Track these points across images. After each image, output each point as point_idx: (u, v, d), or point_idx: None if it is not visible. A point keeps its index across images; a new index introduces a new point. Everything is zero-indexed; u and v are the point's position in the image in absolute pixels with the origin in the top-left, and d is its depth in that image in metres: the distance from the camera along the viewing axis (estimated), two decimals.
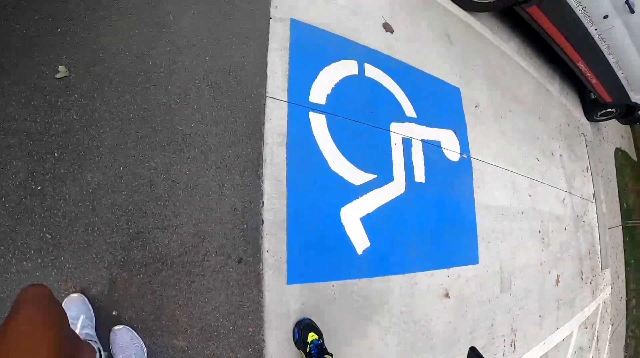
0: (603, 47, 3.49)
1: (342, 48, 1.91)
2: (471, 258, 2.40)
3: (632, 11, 3.04)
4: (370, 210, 1.82)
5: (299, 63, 1.70)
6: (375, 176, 1.87)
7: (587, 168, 4.66)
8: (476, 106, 2.71)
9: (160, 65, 1.39)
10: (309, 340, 1.42)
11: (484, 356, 1.09)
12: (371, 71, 1.99)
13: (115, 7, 1.36)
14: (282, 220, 1.52)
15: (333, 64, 1.84)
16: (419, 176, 2.09)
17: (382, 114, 1.99)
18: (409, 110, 2.13)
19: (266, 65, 1.63)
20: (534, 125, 3.51)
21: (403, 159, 2.02)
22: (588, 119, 5.05)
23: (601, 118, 5.09)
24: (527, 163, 3.18)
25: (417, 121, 2.15)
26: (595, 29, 3.27)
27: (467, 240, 2.39)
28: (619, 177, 6.09)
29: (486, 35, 3.22)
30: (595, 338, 4.32)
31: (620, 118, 5.16)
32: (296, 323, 1.50)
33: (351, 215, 1.74)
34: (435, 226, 2.16)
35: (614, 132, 6.28)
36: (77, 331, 1.08)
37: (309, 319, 1.52)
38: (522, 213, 2.98)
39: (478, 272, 2.45)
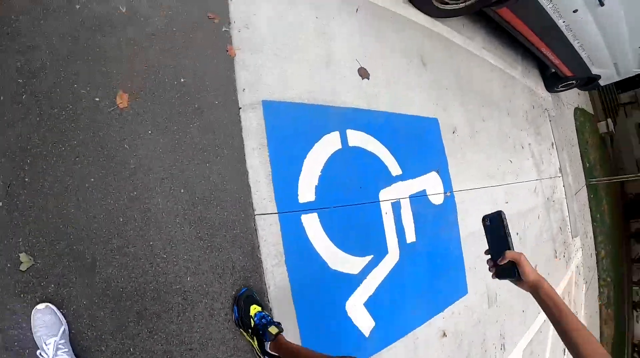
0: (569, 35, 3.72)
1: (321, 120, 1.89)
2: (461, 291, 2.66)
3: (602, 4, 3.26)
4: (371, 292, 1.94)
5: (281, 159, 1.68)
6: (372, 256, 1.97)
7: (553, 144, 5.11)
8: (454, 132, 2.84)
9: (132, 218, 1.31)
10: (252, 313, 1.39)
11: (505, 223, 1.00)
12: (354, 138, 2.00)
13: (56, 154, 1.22)
14: (296, 340, 1.59)
15: (315, 146, 1.82)
16: (410, 236, 2.23)
17: (371, 185, 2.04)
18: (395, 168, 2.20)
19: (247, 175, 1.58)
20: (504, 124, 3.74)
21: (394, 226, 2.13)
22: (549, 91, 5.45)
23: (562, 89, 5.51)
24: (501, 170, 3.44)
25: (403, 177, 2.24)
26: (563, 22, 3.46)
27: (456, 276, 2.63)
28: (580, 136, 6.74)
29: (454, 39, 3.29)
30: (573, 303, 5.03)
31: (580, 87, 5.63)
32: (235, 300, 1.45)
33: (355, 305, 1.85)
34: (429, 277, 2.35)
35: (571, 93, 6.81)
36: (49, 356, 1.07)
37: (248, 289, 1.47)
38: None
39: (468, 301, 2.72)
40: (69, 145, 1.26)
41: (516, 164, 3.77)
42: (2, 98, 1.18)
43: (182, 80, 1.51)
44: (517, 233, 3.54)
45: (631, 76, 5.18)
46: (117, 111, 1.36)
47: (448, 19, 3.21)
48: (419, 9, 2.96)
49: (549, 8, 3.24)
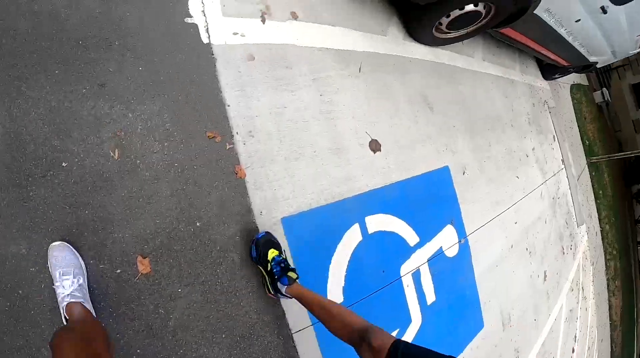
0: (569, 38, 3.73)
1: (340, 217, 1.93)
2: (478, 326, 2.83)
3: (605, 12, 3.26)
4: None
5: (308, 274, 1.73)
6: (398, 329, 2.10)
7: (554, 137, 5.19)
8: (464, 172, 2.90)
9: None
10: (270, 257, 1.48)
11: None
12: (373, 224, 2.07)
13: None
14: None
15: (338, 247, 1.89)
16: (430, 297, 2.35)
17: (392, 265, 2.14)
18: (412, 238, 2.29)
19: (279, 301, 1.67)
20: (509, 140, 3.80)
21: (415, 294, 2.25)
22: (546, 79, 5.48)
23: (558, 76, 5.56)
24: (510, 191, 3.54)
25: (421, 243, 2.33)
26: (565, 30, 3.46)
27: (473, 315, 2.79)
28: (578, 114, 6.81)
29: (456, 64, 3.28)
30: (581, 289, 5.30)
31: (577, 71, 5.68)
32: (253, 241, 1.55)
33: None
34: (449, 327, 2.50)
35: None
36: (66, 291, 1.14)
37: (267, 233, 1.57)
38: (512, 246, 3.41)
39: (485, 333, 2.90)
40: (105, 324, 1.29)
41: (523, 178, 3.87)
42: (20, 292, 1.18)
43: (197, 224, 1.51)
44: (527, 248, 3.69)
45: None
46: (141, 278, 1.36)
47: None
48: (419, 42, 2.93)
49: (551, 22, 3.22)
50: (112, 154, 1.38)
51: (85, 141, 1.34)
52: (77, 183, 1.30)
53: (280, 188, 1.76)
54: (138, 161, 1.43)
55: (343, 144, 2.06)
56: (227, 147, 1.64)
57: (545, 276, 4.09)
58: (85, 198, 1.31)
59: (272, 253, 1.50)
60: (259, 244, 1.52)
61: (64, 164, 1.29)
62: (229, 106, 1.69)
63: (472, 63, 3.54)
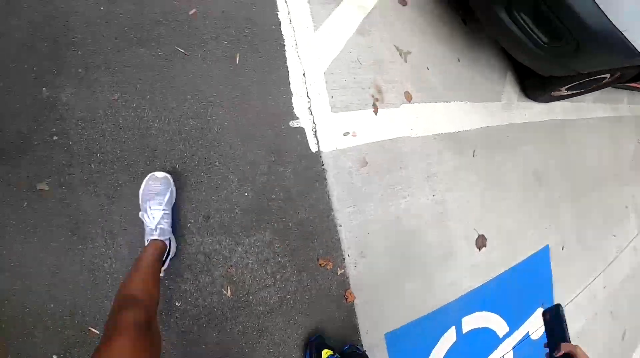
0: None
1: (439, 324, 1.96)
2: None
3: None
4: None
5: None
6: None
7: None
8: (562, 248, 2.74)
9: None
10: (325, 356, 1.48)
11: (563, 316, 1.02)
12: (468, 324, 2.06)
13: None
14: None
15: (432, 353, 1.92)
16: None
17: None
18: (502, 329, 2.25)
19: None
20: (609, 194, 3.49)
21: None
22: None
23: None
24: (603, 254, 3.30)
25: (509, 333, 2.30)
26: None
27: None
28: None
29: (568, 116, 3.03)
30: None
31: None
32: (306, 346, 1.56)
33: None
34: None
35: None
36: (153, 224, 1.17)
37: (319, 336, 1.57)
38: (596, 314, 3.24)
39: None
40: None
41: (619, 235, 3.58)
42: None
43: None
44: (611, 312, 3.49)
45: None
46: None
47: None
48: (535, 101, 2.72)
49: None
50: (224, 292, 1.43)
51: (197, 281, 1.39)
52: (192, 321, 1.38)
53: (387, 306, 1.78)
54: (251, 297, 1.47)
55: (451, 248, 2.02)
56: (339, 273, 1.64)
57: (624, 335, 3.87)
58: (201, 334, 1.40)
59: (326, 353, 1.48)
60: (312, 347, 1.53)
61: (177, 303, 1.37)
62: (340, 226, 1.65)
63: (582, 110, 3.23)
